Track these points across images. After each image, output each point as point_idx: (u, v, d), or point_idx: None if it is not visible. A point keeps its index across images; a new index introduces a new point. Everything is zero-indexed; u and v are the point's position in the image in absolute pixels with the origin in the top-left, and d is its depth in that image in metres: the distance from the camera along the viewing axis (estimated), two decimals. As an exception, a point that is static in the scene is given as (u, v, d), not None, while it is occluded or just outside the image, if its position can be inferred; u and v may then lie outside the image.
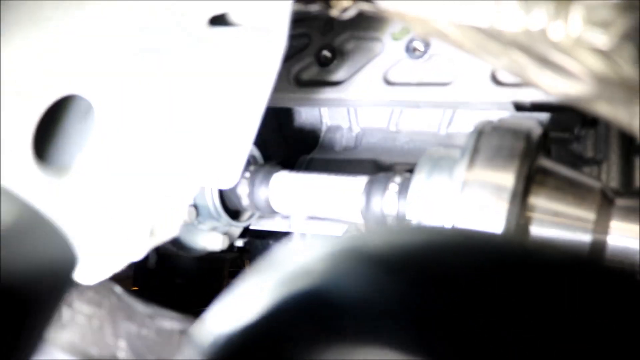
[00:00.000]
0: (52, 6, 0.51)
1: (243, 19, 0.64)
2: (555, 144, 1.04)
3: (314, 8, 0.73)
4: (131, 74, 0.59)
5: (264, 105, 0.72)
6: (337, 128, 1.22)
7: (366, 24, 1.05)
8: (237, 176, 0.67)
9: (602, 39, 0.51)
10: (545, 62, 0.57)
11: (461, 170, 0.79)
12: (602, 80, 0.55)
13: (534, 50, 0.56)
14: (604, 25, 0.51)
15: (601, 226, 0.78)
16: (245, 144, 0.70)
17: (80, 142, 0.58)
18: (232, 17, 0.65)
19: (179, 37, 0.59)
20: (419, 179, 0.84)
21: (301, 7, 0.71)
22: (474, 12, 0.53)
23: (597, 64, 0.53)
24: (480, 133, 0.82)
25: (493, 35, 0.58)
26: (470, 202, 0.76)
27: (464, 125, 1.12)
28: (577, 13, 0.50)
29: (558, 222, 0.78)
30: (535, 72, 0.60)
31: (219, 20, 0.62)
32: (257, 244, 1.27)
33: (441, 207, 0.80)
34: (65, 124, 0.58)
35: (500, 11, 0.52)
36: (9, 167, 0.49)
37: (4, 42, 0.47)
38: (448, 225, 0.77)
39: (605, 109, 0.60)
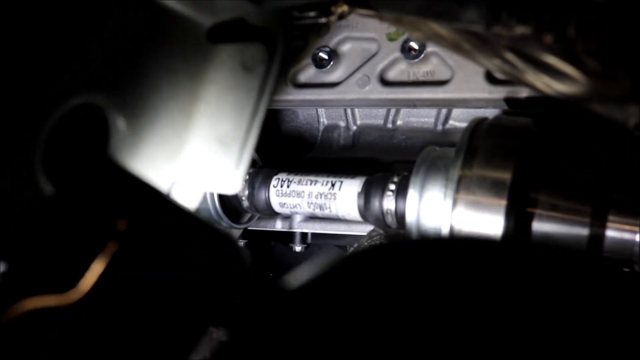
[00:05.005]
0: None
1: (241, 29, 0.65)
2: (551, 138, 1.05)
3: (312, 14, 0.74)
4: (139, 80, 0.60)
5: (264, 111, 0.73)
6: (335, 127, 1.23)
7: (362, 25, 1.06)
8: (240, 182, 0.68)
9: (594, 42, 0.52)
10: (539, 64, 0.58)
11: (457, 169, 0.79)
12: (596, 81, 0.56)
13: (528, 53, 0.57)
14: (595, 28, 0.52)
15: (599, 220, 0.78)
16: (247, 150, 0.70)
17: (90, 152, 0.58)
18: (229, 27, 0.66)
19: (182, 49, 0.60)
20: (416, 179, 0.85)
21: (299, 14, 0.72)
22: (469, 18, 0.53)
23: (590, 66, 0.54)
24: (475, 131, 0.83)
25: (488, 39, 0.59)
26: (468, 201, 0.77)
27: (461, 122, 1.13)
28: (569, 18, 0.51)
29: (557, 217, 0.79)
30: (529, 74, 0.61)
31: (216, 32, 0.63)
32: (257, 245, 1.28)
33: (439, 207, 0.81)
34: (73, 135, 0.59)
35: (494, 18, 0.52)
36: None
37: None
38: (446, 225, 0.78)
39: (600, 108, 0.61)
